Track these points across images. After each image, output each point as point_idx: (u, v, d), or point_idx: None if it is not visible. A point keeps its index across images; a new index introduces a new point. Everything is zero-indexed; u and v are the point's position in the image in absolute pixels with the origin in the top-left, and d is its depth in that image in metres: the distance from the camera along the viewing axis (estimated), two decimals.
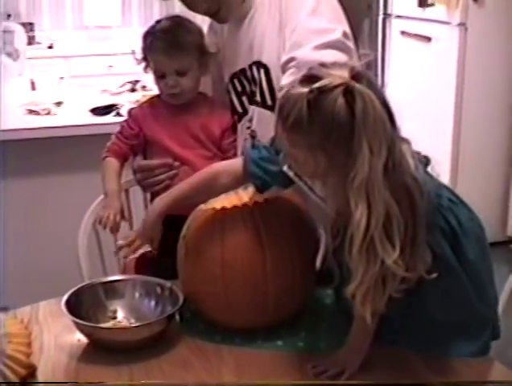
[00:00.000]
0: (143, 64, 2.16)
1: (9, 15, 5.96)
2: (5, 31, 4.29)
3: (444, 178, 4.31)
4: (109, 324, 1.81)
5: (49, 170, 3.28)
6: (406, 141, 1.49)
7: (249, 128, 2.12)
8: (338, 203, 1.52)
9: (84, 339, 1.74)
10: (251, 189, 1.80)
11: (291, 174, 1.60)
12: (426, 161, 1.55)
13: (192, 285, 1.79)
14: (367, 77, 1.44)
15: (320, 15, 1.94)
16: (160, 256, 1.90)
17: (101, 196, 2.21)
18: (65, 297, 1.77)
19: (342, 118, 1.39)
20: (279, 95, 1.51)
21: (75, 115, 3.42)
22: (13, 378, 1.50)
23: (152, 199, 2.26)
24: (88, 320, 1.74)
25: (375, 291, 1.45)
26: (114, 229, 2.08)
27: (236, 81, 2.15)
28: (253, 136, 2.09)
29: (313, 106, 1.40)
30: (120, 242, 1.93)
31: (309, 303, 1.86)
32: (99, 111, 3.39)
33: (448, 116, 4.51)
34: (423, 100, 4.79)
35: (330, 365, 1.59)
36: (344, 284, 1.50)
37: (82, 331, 1.72)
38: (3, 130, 3.17)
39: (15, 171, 3.24)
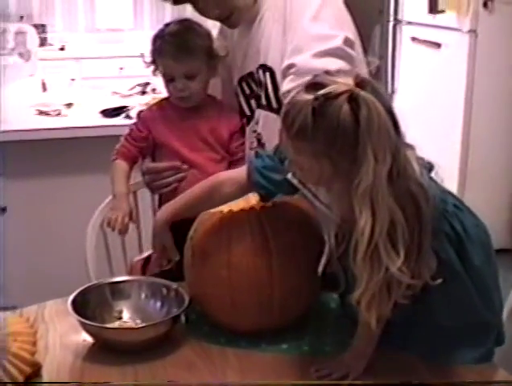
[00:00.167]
0: (152, 67, 2.17)
1: (21, 16, 5.99)
2: (17, 32, 4.31)
3: (453, 183, 4.34)
4: (115, 324, 1.81)
5: (58, 170, 3.29)
6: (411, 147, 1.49)
7: (255, 131, 2.13)
8: (343, 210, 1.52)
9: (89, 339, 1.74)
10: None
11: (295, 181, 1.60)
12: (429, 166, 1.55)
13: (198, 287, 1.79)
14: (372, 84, 1.44)
15: (323, 20, 1.93)
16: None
17: (109, 197, 2.22)
18: (71, 297, 1.78)
19: (347, 125, 1.39)
20: (283, 102, 1.52)
21: (85, 116, 3.44)
22: (17, 375, 1.50)
23: (160, 201, 2.27)
24: (94, 320, 1.74)
25: (380, 298, 1.45)
26: (123, 231, 2.09)
27: (244, 84, 2.16)
28: (259, 139, 2.10)
29: (318, 113, 1.40)
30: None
31: (315, 307, 1.86)
32: (109, 113, 3.41)
33: (457, 122, 4.51)
34: (432, 106, 4.79)
35: (334, 368, 1.59)
36: (349, 289, 1.51)
37: (88, 331, 1.73)
38: (14, 130, 3.19)
39: (25, 172, 3.26)
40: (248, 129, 2.18)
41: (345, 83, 1.42)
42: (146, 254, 2.33)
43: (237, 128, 2.19)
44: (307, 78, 1.70)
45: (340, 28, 1.94)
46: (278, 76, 1.98)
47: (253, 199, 1.82)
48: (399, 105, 5.56)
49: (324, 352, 1.71)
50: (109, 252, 2.41)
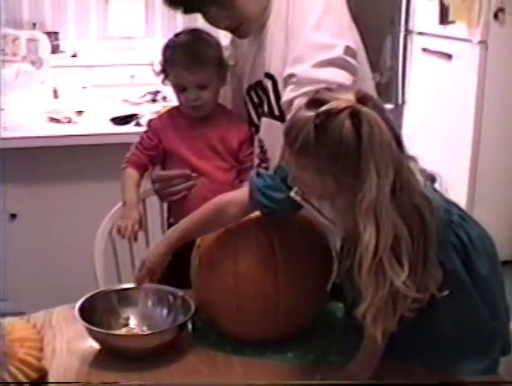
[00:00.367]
0: (161, 77, 2.18)
1: (34, 24, 6.03)
2: (29, 40, 4.33)
3: (462, 193, 4.33)
4: (122, 331, 1.82)
5: (68, 177, 3.31)
6: (413, 159, 1.50)
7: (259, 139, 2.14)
8: (347, 225, 1.53)
9: (96, 345, 1.75)
10: None
11: (298, 198, 1.61)
12: (433, 178, 1.56)
13: (204, 295, 1.80)
14: (373, 100, 1.45)
15: (324, 29, 1.92)
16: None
17: (119, 205, 2.23)
18: (79, 303, 1.79)
19: (349, 141, 1.40)
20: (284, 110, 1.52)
21: (95, 124, 3.45)
22: (24, 381, 1.51)
23: (169, 208, 2.29)
24: (101, 326, 1.75)
25: (386, 312, 1.46)
26: (132, 239, 2.10)
27: (253, 93, 2.17)
28: (261, 146, 2.10)
29: (320, 129, 1.41)
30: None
31: (321, 316, 1.86)
32: (119, 120, 3.42)
33: (467, 133, 4.50)
34: (442, 117, 4.78)
35: (339, 378, 1.59)
36: (355, 302, 1.52)
37: (94, 337, 1.74)
38: (25, 137, 3.21)
39: (35, 178, 3.27)
40: (256, 138, 2.18)
41: (347, 99, 1.43)
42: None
43: (246, 137, 2.20)
44: (308, 88, 1.71)
45: (341, 37, 1.93)
46: (280, 84, 1.99)
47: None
48: (409, 116, 5.56)
49: (329, 362, 1.71)
50: (118, 259, 2.42)
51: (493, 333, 1.67)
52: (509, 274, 1.73)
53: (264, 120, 2.10)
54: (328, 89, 1.50)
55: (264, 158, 2.09)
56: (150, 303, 1.88)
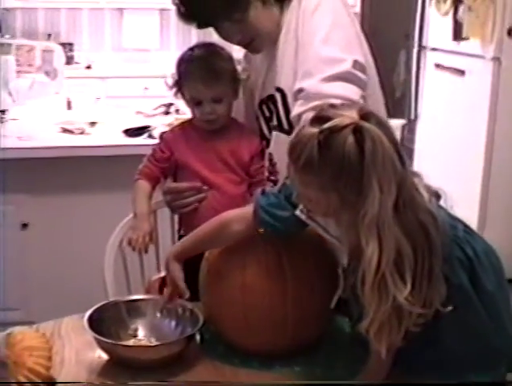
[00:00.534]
0: (174, 90, 2.19)
1: (49, 35, 6.08)
2: (44, 51, 4.36)
3: (474, 209, 4.31)
4: (130, 342, 1.83)
5: (79, 188, 3.32)
6: (417, 175, 1.51)
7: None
8: (351, 241, 1.53)
9: (104, 356, 1.76)
10: None
11: (303, 217, 1.62)
12: (437, 194, 1.56)
13: (212, 307, 1.81)
14: (376, 117, 1.47)
15: (333, 43, 1.92)
16: None
17: (129, 216, 2.25)
18: (88, 314, 1.80)
19: (352, 157, 1.41)
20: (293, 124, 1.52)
21: (108, 135, 3.47)
22: None
23: (180, 220, 2.29)
24: (110, 337, 1.76)
25: (390, 327, 1.47)
26: (143, 250, 2.11)
27: (264, 107, 2.18)
28: (270, 159, 2.11)
29: (324, 146, 1.43)
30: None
31: (328, 330, 1.86)
32: (132, 132, 3.43)
33: (479, 150, 4.49)
34: (455, 133, 4.78)
35: None
36: (361, 317, 1.52)
37: (103, 348, 1.75)
38: (38, 148, 3.23)
39: (47, 188, 3.29)
40: (267, 152, 2.19)
41: (350, 116, 1.44)
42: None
43: (257, 150, 2.21)
44: (316, 103, 1.72)
45: (350, 51, 1.93)
46: (290, 98, 2.00)
47: None
48: (422, 131, 5.55)
49: (336, 376, 1.71)
50: (128, 270, 2.43)
51: (498, 348, 1.67)
52: None
53: (274, 133, 2.11)
54: (332, 106, 1.51)
55: (273, 171, 2.10)
56: (158, 315, 1.89)
